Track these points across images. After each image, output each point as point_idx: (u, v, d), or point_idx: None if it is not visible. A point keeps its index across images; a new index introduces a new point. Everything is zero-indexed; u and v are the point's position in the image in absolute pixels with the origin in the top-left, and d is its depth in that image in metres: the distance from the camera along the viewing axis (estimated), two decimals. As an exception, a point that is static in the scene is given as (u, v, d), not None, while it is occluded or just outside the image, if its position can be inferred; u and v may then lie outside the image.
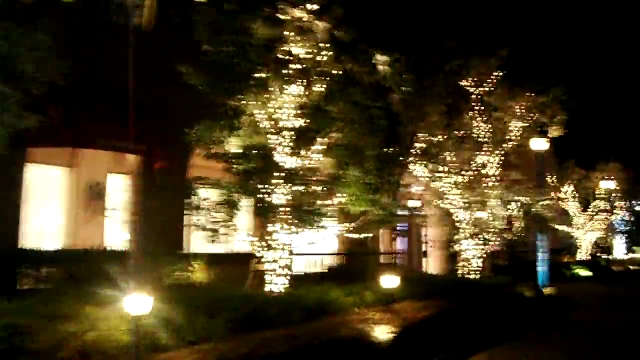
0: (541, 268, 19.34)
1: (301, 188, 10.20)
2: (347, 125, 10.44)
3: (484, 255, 21.88)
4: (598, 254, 40.93)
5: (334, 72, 10.70)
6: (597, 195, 35.64)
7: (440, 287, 14.83)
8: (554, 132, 19.97)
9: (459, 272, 18.63)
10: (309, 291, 11.46)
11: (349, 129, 10.45)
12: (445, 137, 18.20)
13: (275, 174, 10.28)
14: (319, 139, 10.49)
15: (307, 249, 18.31)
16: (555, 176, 35.03)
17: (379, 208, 11.16)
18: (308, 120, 10.36)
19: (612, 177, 35.08)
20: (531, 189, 19.52)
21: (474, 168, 18.61)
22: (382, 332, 9.67)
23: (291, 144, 10.41)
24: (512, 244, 29.88)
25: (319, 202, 10.84)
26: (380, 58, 18.50)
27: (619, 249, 45.35)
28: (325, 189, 10.50)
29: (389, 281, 11.44)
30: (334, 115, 10.43)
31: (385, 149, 11.16)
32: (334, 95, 10.46)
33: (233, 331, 8.54)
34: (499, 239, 19.02)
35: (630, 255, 46.82)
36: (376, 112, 10.58)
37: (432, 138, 17.97)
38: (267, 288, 11.23)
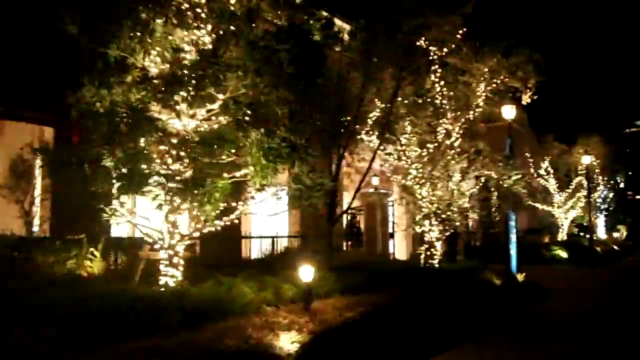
0: (513, 251, 17.14)
1: (183, 154, 7.85)
2: (247, 74, 8.04)
3: (457, 238, 19.87)
4: (582, 234, 39.25)
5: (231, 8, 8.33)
6: (579, 172, 33.50)
7: (391, 277, 12.57)
8: (527, 97, 17.70)
9: (422, 256, 16.39)
10: (214, 285, 9.18)
11: (249, 80, 8.05)
12: (403, 102, 15.94)
13: (149, 136, 7.92)
14: (209, 92, 8.09)
15: (259, 232, 16.41)
16: (531, 151, 33.06)
17: (293, 182, 8.86)
18: (195, 69, 7.98)
19: (593, 152, 33.09)
20: (501, 162, 17.27)
21: (438, 139, 16.37)
22: (287, 342, 7.37)
23: (175, 97, 8.06)
24: (487, 224, 28.01)
25: (224, 173, 8.54)
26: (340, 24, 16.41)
27: (601, 229, 43.55)
28: (219, 157, 8.12)
29: (311, 272, 9.10)
30: (229, 62, 8.04)
31: (299, 106, 8.67)
32: (230, 37, 8.08)
33: (65, 346, 6.21)
34: (464, 218, 16.83)
35: (615, 234, 45.06)
36: (284, 56, 8.15)
37: (386, 104, 15.71)
38: (162, 281, 9.01)
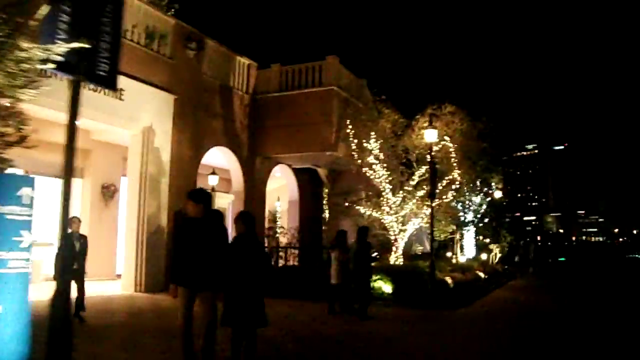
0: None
1: None
2: None
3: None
4: (450, 254, 28.14)
5: None
6: (425, 158, 21.33)
7: None
8: None
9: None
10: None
11: None
12: None
13: None
14: None
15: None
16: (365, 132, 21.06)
17: None
18: None
19: (447, 130, 21.40)
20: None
21: None
22: None
23: None
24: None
25: None
26: None
27: (471, 248, 32.22)
28: None
29: None
30: None
31: None
32: None
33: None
34: None
35: (484, 257, 33.74)
36: None
37: None
38: None
